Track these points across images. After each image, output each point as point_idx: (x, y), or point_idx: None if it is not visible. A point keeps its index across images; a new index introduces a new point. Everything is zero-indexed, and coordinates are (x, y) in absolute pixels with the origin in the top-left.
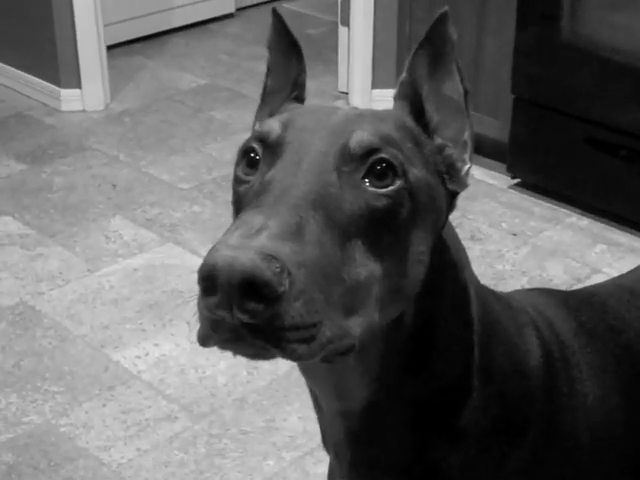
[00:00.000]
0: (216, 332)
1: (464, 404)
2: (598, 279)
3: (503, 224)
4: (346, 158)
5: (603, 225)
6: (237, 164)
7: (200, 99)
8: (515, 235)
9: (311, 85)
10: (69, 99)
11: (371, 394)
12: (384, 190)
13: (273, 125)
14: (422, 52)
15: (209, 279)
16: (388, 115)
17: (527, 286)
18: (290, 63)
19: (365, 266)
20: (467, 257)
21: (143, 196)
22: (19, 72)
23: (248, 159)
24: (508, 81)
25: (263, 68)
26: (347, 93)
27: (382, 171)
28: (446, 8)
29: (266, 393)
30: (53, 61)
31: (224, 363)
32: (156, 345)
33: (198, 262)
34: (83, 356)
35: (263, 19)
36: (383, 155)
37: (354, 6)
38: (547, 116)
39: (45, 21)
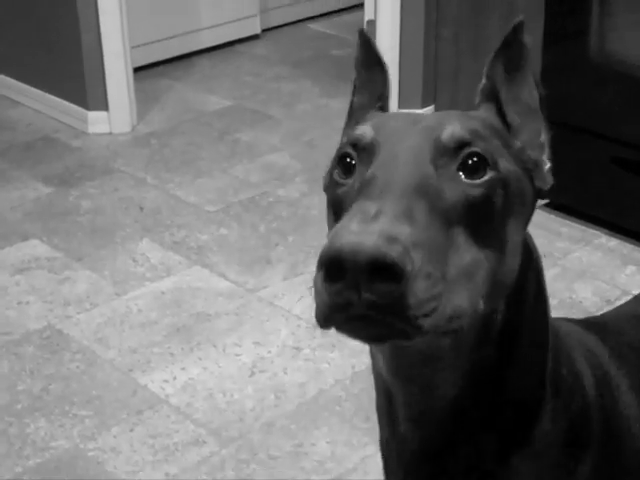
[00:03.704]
0: (339, 314)
1: (537, 414)
2: None
3: None
4: (440, 151)
5: (632, 246)
6: (332, 170)
7: (226, 121)
8: (544, 256)
9: (335, 105)
10: (96, 122)
11: (458, 391)
12: (478, 181)
13: (365, 129)
14: (499, 59)
15: (335, 264)
16: (475, 115)
17: (557, 308)
18: (376, 79)
19: (469, 251)
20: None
21: (170, 218)
22: (46, 95)
23: (344, 164)
24: None
25: (288, 89)
26: None
27: (474, 164)
28: (522, 17)
29: (294, 417)
30: (80, 84)
31: (251, 387)
32: (184, 369)
33: (225, 285)
34: (111, 380)
35: (288, 40)
36: (474, 148)
37: (380, 27)
38: (574, 136)
39: (72, 44)
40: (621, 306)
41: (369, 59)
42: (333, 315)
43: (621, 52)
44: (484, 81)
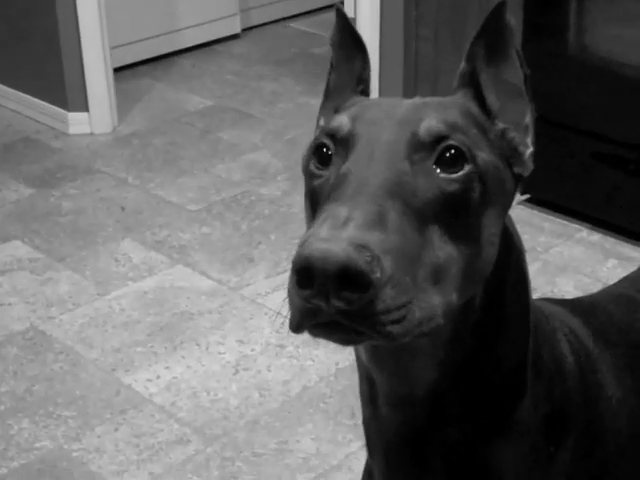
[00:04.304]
0: (310, 320)
1: (518, 399)
2: None
3: None
4: (416, 146)
5: (614, 240)
6: (308, 159)
7: (207, 120)
8: (525, 251)
9: (317, 103)
10: (77, 122)
11: (437, 378)
12: (455, 175)
13: (342, 120)
14: (479, 42)
15: (305, 271)
16: (453, 103)
17: None
18: (354, 59)
19: (443, 249)
20: (524, 249)
21: (152, 218)
22: (26, 96)
23: (320, 154)
24: None
25: (270, 87)
26: None
27: (451, 157)
28: None
29: (278, 415)
30: (60, 85)
31: (236, 385)
32: (167, 368)
33: (208, 283)
34: (94, 380)
35: (269, 39)
36: (451, 142)
37: (360, 26)
38: (554, 131)
39: (52, 45)
40: (610, 286)
41: (346, 37)
42: (303, 320)
43: (600, 48)
44: (464, 64)
